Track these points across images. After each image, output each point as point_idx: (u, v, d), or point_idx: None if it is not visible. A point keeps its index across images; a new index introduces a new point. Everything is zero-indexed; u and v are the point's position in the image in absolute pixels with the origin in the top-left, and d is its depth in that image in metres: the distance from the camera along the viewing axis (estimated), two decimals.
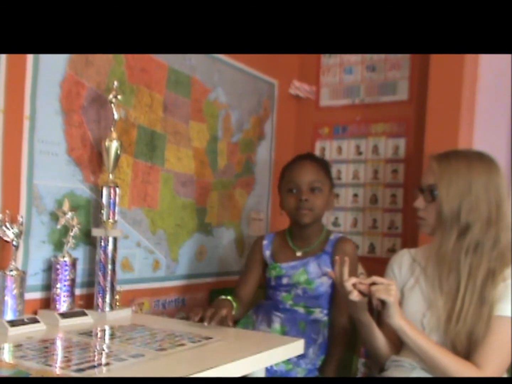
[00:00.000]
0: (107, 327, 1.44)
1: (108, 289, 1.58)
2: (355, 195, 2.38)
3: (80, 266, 1.60)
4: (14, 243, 1.40)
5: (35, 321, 1.38)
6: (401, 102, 2.29)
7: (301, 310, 1.68)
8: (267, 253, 1.76)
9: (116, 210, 1.62)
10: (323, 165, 1.73)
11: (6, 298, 1.37)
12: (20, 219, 1.42)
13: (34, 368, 1.02)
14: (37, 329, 1.36)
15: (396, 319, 1.35)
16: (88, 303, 1.63)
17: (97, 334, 1.38)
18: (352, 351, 1.74)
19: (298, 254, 1.72)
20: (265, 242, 1.78)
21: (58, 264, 1.49)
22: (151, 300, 1.88)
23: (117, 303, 1.62)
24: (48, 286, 1.52)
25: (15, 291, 1.38)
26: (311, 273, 1.68)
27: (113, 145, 1.59)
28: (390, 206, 2.29)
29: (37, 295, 1.52)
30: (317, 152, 2.47)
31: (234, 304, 1.53)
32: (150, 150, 1.85)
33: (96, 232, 1.60)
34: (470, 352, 1.37)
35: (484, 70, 2.10)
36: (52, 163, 1.54)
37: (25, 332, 1.32)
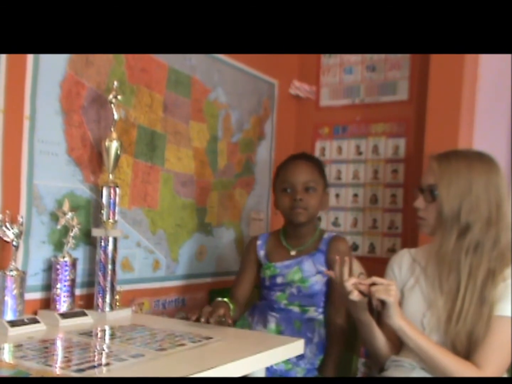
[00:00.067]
0: (107, 327, 1.44)
1: (108, 289, 1.58)
2: (355, 195, 2.38)
3: (80, 266, 1.60)
4: (14, 243, 1.40)
5: (35, 321, 1.38)
6: (401, 102, 2.29)
7: (296, 309, 1.69)
8: (261, 253, 1.76)
9: (116, 210, 1.62)
10: (317, 165, 1.74)
11: (6, 298, 1.37)
12: (20, 219, 1.42)
13: (34, 368, 1.02)
14: (37, 329, 1.36)
15: (396, 319, 1.35)
16: (88, 303, 1.63)
17: (97, 334, 1.38)
18: (352, 351, 1.74)
19: (292, 253, 1.73)
20: (259, 242, 1.78)
21: (58, 264, 1.49)
22: (151, 300, 1.88)
23: (117, 303, 1.62)
24: (48, 286, 1.52)
25: (15, 291, 1.38)
26: (305, 271, 1.68)
27: (113, 145, 1.59)
28: (390, 206, 2.29)
29: (37, 295, 1.52)
30: (317, 152, 2.48)
31: (231, 306, 1.53)
32: (150, 150, 1.85)
33: (96, 232, 1.60)
34: (470, 352, 1.37)
35: (484, 70, 2.10)
36: (52, 163, 1.54)
37: (25, 332, 1.32)
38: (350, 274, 1.39)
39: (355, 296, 1.36)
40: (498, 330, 1.35)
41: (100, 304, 1.58)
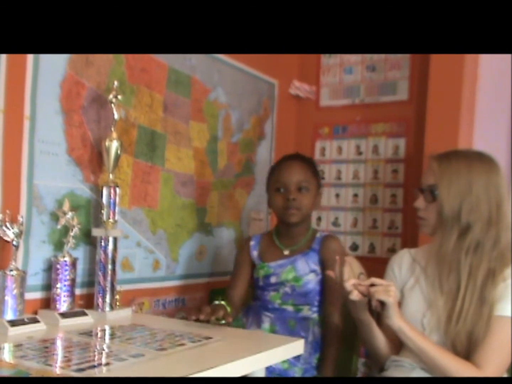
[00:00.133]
0: (107, 327, 1.45)
1: (108, 289, 1.58)
2: (355, 195, 2.38)
3: (80, 266, 1.60)
4: (14, 243, 1.40)
5: (35, 321, 1.38)
6: (401, 102, 2.29)
7: (290, 308, 1.69)
8: (255, 253, 1.77)
9: (116, 210, 1.62)
10: (311, 165, 1.74)
11: (6, 298, 1.37)
12: (20, 219, 1.42)
13: (34, 368, 1.02)
14: (37, 329, 1.36)
15: (396, 320, 1.35)
16: (88, 303, 1.63)
17: (97, 334, 1.38)
18: (352, 351, 1.74)
19: (286, 252, 1.73)
20: (252, 242, 1.79)
21: (58, 264, 1.49)
22: (151, 300, 1.88)
23: (117, 303, 1.62)
24: (48, 286, 1.53)
25: (15, 291, 1.38)
26: (299, 270, 1.69)
27: (113, 145, 1.59)
28: (390, 206, 2.29)
29: (37, 295, 1.52)
30: (317, 152, 2.48)
31: (228, 309, 1.53)
32: (150, 150, 1.85)
33: (96, 232, 1.60)
34: (470, 352, 1.37)
35: (484, 70, 2.10)
36: (52, 163, 1.54)
37: (25, 332, 1.32)
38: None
39: (355, 296, 1.36)
40: (498, 330, 1.35)
41: (100, 304, 1.58)
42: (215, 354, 1.21)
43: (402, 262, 1.59)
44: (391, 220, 2.28)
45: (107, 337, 1.37)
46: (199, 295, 2.08)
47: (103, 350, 1.21)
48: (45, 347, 1.19)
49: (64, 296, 1.49)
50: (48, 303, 1.52)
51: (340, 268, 1.40)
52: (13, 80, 1.44)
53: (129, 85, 1.76)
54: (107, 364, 1.08)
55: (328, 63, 2.48)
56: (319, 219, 2.46)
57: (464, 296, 1.38)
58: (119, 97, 1.60)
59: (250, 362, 1.19)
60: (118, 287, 1.63)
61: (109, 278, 1.58)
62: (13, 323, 1.34)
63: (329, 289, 1.68)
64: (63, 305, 1.49)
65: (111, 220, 1.60)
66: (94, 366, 1.05)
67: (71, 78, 1.58)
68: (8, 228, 1.39)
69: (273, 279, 1.71)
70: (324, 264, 1.68)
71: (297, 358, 1.60)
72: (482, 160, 1.46)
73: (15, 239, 1.40)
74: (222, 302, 1.55)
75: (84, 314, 1.51)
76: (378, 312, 1.37)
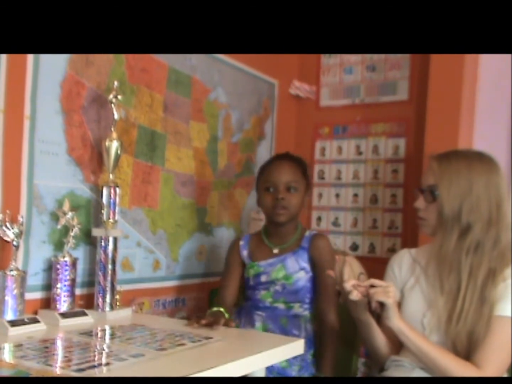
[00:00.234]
0: (107, 327, 1.45)
1: (108, 289, 1.58)
2: (355, 195, 2.38)
3: (80, 266, 1.60)
4: (15, 243, 1.40)
5: (36, 321, 1.38)
6: (401, 102, 2.29)
7: (281, 306, 1.70)
8: (245, 253, 1.78)
9: (117, 210, 1.62)
10: (300, 165, 1.75)
11: (6, 298, 1.37)
12: (20, 219, 1.42)
13: (34, 368, 1.02)
14: (38, 329, 1.36)
15: (395, 321, 1.35)
16: (88, 303, 1.63)
17: (97, 334, 1.38)
18: (352, 350, 1.74)
19: (275, 251, 1.74)
20: (241, 242, 1.80)
21: (59, 264, 1.49)
22: (151, 300, 1.88)
23: (117, 303, 1.62)
24: (48, 286, 1.53)
25: (15, 291, 1.38)
26: (289, 268, 1.70)
27: (114, 145, 1.60)
28: (390, 206, 2.29)
29: (38, 295, 1.52)
30: (317, 152, 2.48)
31: (227, 315, 1.55)
32: (151, 150, 1.85)
33: (96, 232, 1.60)
34: (470, 352, 1.37)
35: (484, 70, 2.10)
36: (53, 163, 1.54)
37: (25, 332, 1.32)
38: (332, 270, 1.40)
39: (354, 296, 1.36)
40: (498, 330, 1.35)
41: (100, 304, 1.58)
42: (215, 354, 1.21)
43: (402, 262, 1.59)
44: (391, 220, 2.28)
45: (107, 337, 1.37)
46: (199, 295, 2.08)
47: (103, 350, 1.21)
48: (45, 347, 1.19)
49: (64, 296, 1.49)
50: (48, 303, 1.52)
51: (340, 268, 1.40)
52: (13, 80, 1.44)
53: (129, 85, 1.76)
54: (107, 364, 1.08)
55: (328, 63, 2.48)
56: (319, 219, 2.46)
57: (464, 296, 1.38)
58: (119, 97, 1.60)
59: (250, 362, 1.19)
60: (118, 287, 1.63)
61: (109, 278, 1.58)
62: (13, 323, 1.34)
63: (323, 288, 1.69)
64: (63, 305, 1.49)
65: (111, 220, 1.60)
66: (94, 366, 1.05)
67: (71, 78, 1.58)
68: (8, 228, 1.39)
69: (263, 278, 1.72)
70: (314, 263, 1.70)
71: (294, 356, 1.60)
72: (482, 160, 1.46)
73: (15, 239, 1.40)
74: (221, 309, 1.57)
75: (84, 314, 1.51)
76: (378, 313, 1.38)
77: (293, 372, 1.62)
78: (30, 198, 1.49)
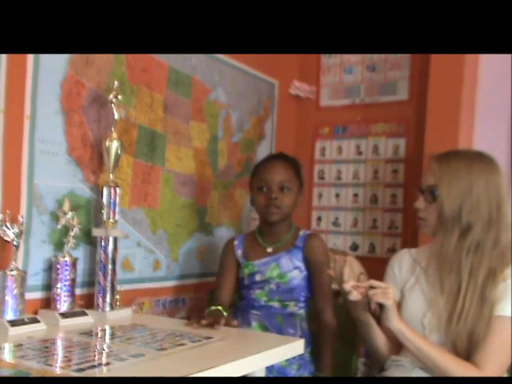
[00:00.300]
0: (107, 327, 1.45)
1: (108, 289, 1.58)
2: (355, 195, 2.38)
3: (80, 266, 1.60)
4: (15, 243, 1.40)
5: (36, 321, 1.38)
6: (401, 102, 2.29)
7: (276, 304, 1.71)
8: (239, 252, 1.78)
9: (117, 210, 1.62)
10: (294, 165, 1.76)
11: (6, 298, 1.37)
12: (20, 219, 1.42)
13: (34, 368, 1.02)
14: (38, 329, 1.36)
15: (395, 322, 1.36)
16: (88, 303, 1.63)
17: (97, 333, 1.39)
18: (352, 350, 1.74)
19: (269, 250, 1.75)
20: (236, 242, 1.81)
21: (59, 264, 1.49)
22: (151, 300, 1.88)
23: (118, 303, 1.62)
24: (48, 286, 1.53)
25: (15, 291, 1.38)
26: (283, 267, 1.71)
27: (114, 145, 1.60)
28: (390, 206, 2.29)
29: (38, 295, 1.52)
30: (317, 152, 2.48)
31: (225, 314, 1.57)
32: (151, 150, 1.85)
33: (96, 232, 1.60)
34: (470, 352, 1.37)
35: (484, 70, 2.10)
36: (53, 163, 1.54)
37: (25, 332, 1.32)
38: (326, 270, 1.41)
39: (354, 296, 1.36)
40: (498, 330, 1.35)
41: (100, 304, 1.58)
42: (215, 354, 1.21)
43: (402, 262, 1.59)
44: (391, 220, 2.28)
45: (107, 337, 1.37)
46: (199, 295, 2.08)
47: (103, 350, 1.21)
48: (45, 347, 1.19)
49: (64, 296, 1.49)
50: (48, 303, 1.52)
51: (340, 268, 1.40)
52: (13, 80, 1.44)
53: (129, 85, 1.76)
54: (107, 364, 1.08)
55: (328, 63, 2.48)
56: (319, 219, 2.46)
57: (465, 296, 1.39)
58: (119, 97, 1.60)
59: (250, 362, 1.19)
60: (118, 287, 1.63)
61: (109, 278, 1.59)
62: (13, 323, 1.34)
63: (319, 287, 1.70)
64: (63, 305, 1.49)
65: (111, 220, 1.60)
66: (94, 366, 1.05)
67: (71, 78, 1.58)
68: (8, 228, 1.39)
69: (257, 277, 1.73)
70: (308, 262, 1.71)
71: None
72: (482, 160, 1.46)
73: (15, 239, 1.40)
74: (219, 308, 1.58)
75: (84, 314, 1.51)
76: (378, 314, 1.38)
77: (293, 371, 1.63)
78: (30, 198, 1.49)
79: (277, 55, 2.37)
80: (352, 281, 1.38)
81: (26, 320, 1.37)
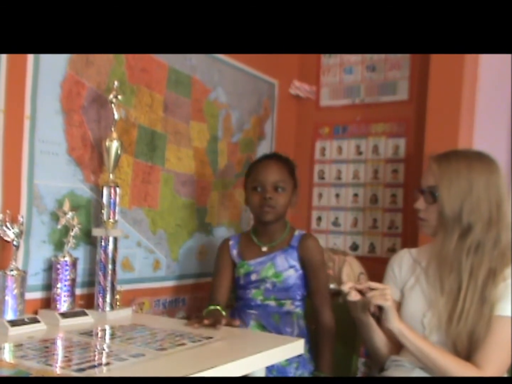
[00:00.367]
0: (107, 327, 1.45)
1: (108, 289, 1.58)
2: (355, 195, 2.38)
3: (80, 266, 1.60)
4: (15, 243, 1.40)
5: (36, 321, 1.39)
6: (401, 102, 2.29)
7: (272, 303, 1.71)
8: (234, 252, 1.79)
9: (117, 210, 1.62)
10: (288, 165, 1.77)
11: (6, 298, 1.37)
12: (20, 219, 1.42)
13: (34, 367, 1.02)
14: (38, 329, 1.36)
15: (395, 322, 1.36)
16: (88, 303, 1.63)
17: (97, 333, 1.39)
18: (352, 350, 1.74)
19: (264, 249, 1.76)
20: (231, 242, 1.81)
21: (59, 264, 1.49)
22: (151, 300, 1.88)
23: (118, 303, 1.62)
24: (48, 286, 1.53)
25: (15, 291, 1.38)
26: (278, 266, 1.71)
27: (114, 145, 1.60)
28: (390, 206, 2.29)
29: (38, 295, 1.52)
30: (317, 152, 2.48)
31: (224, 313, 1.58)
32: (151, 150, 1.85)
33: (96, 232, 1.60)
34: (471, 352, 1.37)
35: (484, 70, 2.10)
36: (53, 163, 1.54)
37: (25, 332, 1.32)
38: (323, 271, 1.40)
39: (353, 296, 1.37)
40: (498, 330, 1.35)
41: (100, 304, 1.58)
42: (215, 354, 1.21)
43: (402, 262, 1.59)
44: (391, 220, 2.28)
45: (107, 337, 1.37)
46: (199, 295, 2.08)
47: (104, 350, 1.21)
48: (46, 347, 1.19)
49: (65, 296, 1.49)
50: (48, 303, 1.52)
51: (340, 268, 1.40)
52: (13, 80, 1.44)
53: (129, 85, 1.76)
54: (107, 364, 1.08)
55: (328, 63, 2.48)
56: (319, 219, 2.46)
57: (465, 296, 1.39)
58: (119, 97, 1.60)
59: (250, 362, 1.19)
60: (119, 287, 1.63)
61: (109, 278, 1.59)
62: (13, 323, 1.34)
63: (315, 287, 1.71)
64: (63, 305, 1.49)
65: (111, 220, 1.60)
66: (94, 366, 1.05)
67: (71, 78, 1.58)
68: (8, 228, 1.39)
69: (253, 277, 1.73)
70: (304, 262, 1.72)
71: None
72: (481, 160, 1.46)
73: (16, 239, 1.40)
74: (218, 307, 1.59)
75: (85, 314, 1.51)
76: (377, 316, 1.38)
77: (292, 370, 1.63)
78: (30, 198, 1.49)
79: (277, 55, 2.37)
80: (350, 282, 1.39)
81: (26, 320, 1.37)
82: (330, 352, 1.66)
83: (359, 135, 2.38)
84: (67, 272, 1.49)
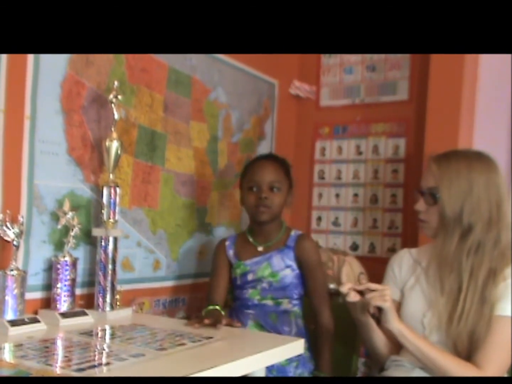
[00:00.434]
0: (107, 327, 1.45)
1: (108, 288, 1.58)
2: (355, 195, 2.38)
3: (80, 266, 1.60)
4: (15, 243, 1.40)
5: (36, 321, 1.39)
6: (401, 102, 2.29)
7: (269, 303, 1.72)
8: (231, 252, 1.79)
9: (117, 210, 1.62)
10: (283, 165, 1.78)
11: (6, 298, 1.37)
12: (20, 219, 1.42)
13: (34, 367, 1.02)
14: (38, 329, 1.36)
15: (395, 323, 1.36)
16: (88, 303, 1.63)
17: (97, 333, 1.39)
18: (352, 350, 1.74)
19: (260, 249, 1.76)
20: (227, 242, 1.82)
21: (59, 264, 1.49)
22: (151, 299, 1.89)
23: (118, 303, 1.62)
24: (48, 286, 1.53)
25: (15, 291, 1.38)
26: (274, 266, 1.72)
27: (114, 145, 1.60)
28: (390, 206, 2.29)
29: (38, 295, 1.52)
30: (317, 152, 2.48)
31: (223, 313, 1.58)
32: (151, 150, 1.85)
33: (96, 232, 1.60)
34: (471, 352, 1.37)
35: (484, 70, 2.10)
36: (53, 163, 1.55)
37: (25, 332, 1.32)
38: (320, 271, 1.39)
39: (352, 297, 1.37)
40: (499, 330, 1.35)
41: (100, 304, 1.58)
42: (215, 354, 1.21)
43: (402, 262, 1.59)
44: (391, 220, 2.28)
45: (107, 337, 1.37)
46: (200, 295, 2.08)
47: (104, 350, 1.21)
48: (46, 347, 1.19)
49: (65, 296, 1.49)
50: (48, 303, 1.52)
51: (340, 268, 1.40)
52: (13, 80, 1.44)
53: (129, 85, 1.76)
54: (107, 364, 1.08)
55: (328, 63, 2.48)
56: (319, 219, 2.46)
57: (465, 296, 1.39)
58: (119, 97, 1.61)
59: (250, 362, 1.19)
60: (119, 287, 1.63)
61: (109, 278, 1.59)
62: (13, 323, 1.34)
63: (313, 287, 1.72)
64: (63, 305, 1.49)
65: (111, 220, 1.60)
66: (94, 366, 1.05)
67: (71, 78, 1.58)
68: (8, 228, 1.39)
69: (250, 277, 1.74)
70: (300, 262, 1.72)
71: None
72: (481, 159, 1.46)
73: (16, 239, 1.40)
74: (217, 307, 1.60)
75: (85, 314, 1.51)
76: (377, 317, 1.39)
77: (292, 369, 1.63)
78: (30, 198, 1.49)
79: (277, 55, 2.37)
80: (349, 283, 1.39)
81: (26, 320, 1.37)
82: (330, 352, 1.66)
83: (359, 135, 2.38)
84: (67, 272, 1.50)
